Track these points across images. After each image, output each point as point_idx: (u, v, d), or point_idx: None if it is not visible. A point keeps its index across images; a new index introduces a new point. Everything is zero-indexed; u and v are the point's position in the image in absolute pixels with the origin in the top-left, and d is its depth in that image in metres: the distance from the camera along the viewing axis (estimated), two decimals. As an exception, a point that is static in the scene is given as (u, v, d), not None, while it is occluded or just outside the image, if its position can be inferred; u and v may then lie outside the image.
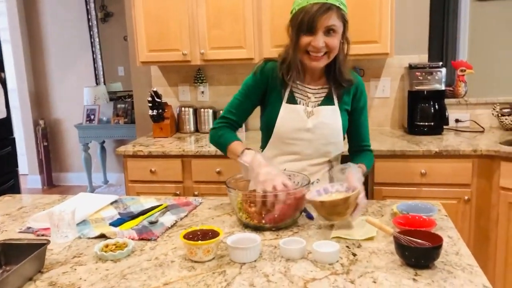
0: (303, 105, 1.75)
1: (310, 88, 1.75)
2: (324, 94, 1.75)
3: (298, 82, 1.74)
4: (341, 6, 1.60)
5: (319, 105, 1.75)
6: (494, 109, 3.06)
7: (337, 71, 1.71)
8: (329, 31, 1.60)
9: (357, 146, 1.85)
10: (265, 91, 1.77)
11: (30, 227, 1.60)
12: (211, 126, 3.26)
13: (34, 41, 5.48)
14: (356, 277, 1.19)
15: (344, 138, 1.83)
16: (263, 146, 1.86)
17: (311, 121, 1.73)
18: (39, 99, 5.60)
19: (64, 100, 5.54)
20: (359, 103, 1.79)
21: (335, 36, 1.62)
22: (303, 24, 1.59)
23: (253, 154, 1.62)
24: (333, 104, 1.75)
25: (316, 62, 1.66)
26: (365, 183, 2.64)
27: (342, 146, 1.82)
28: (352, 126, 1.81)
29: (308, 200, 1.46)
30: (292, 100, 1.75)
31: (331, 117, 1.74)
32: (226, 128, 1.81)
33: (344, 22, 1.64)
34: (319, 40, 1.60)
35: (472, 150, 2.56)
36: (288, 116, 1.74)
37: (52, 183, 5.72)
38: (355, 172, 1.55)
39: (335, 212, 1.41)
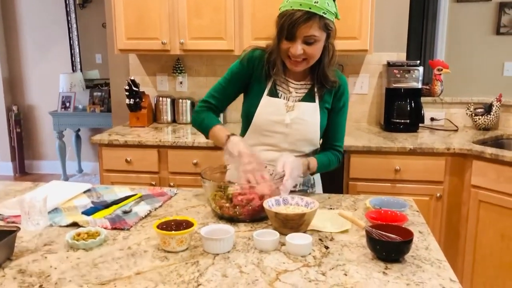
0: (284, 99, 1.75)
1: (293, 83, 1.75)
2: (306, 90, 1.75)
3: (282, 75, 1.74)
4: (326, 15, 1.56)
5: (300, 100, 1.75)
6: (468, 109, 3.12)
7: (321, 73, 1.70)
8: (308, 40, 1.58)
9: (329, 145, 1.83)
10: (249, 79, 1.77)
11: (0, 214, 1.57)
12: (189, 117, 3.31)
13: (8, 25, 5.34)
14: (327, 269, 1.20)
15: (321, 136, 1.83)
16: (242, 134, 1.86)
17: (289, 115, 1.73)
18: (12, 84, 5.46)
19: (39, 86, 5.42)
20: (339, 103, 1.78)
21: (315, 45, 1.59)
22: (283, 30, 1.57)
23: (237, 141, 1.63)
24: (314, 101, 1.74)
25: (295, 66, 1.66)
26: (340, 178, 2.70)
27: (318, 143, 1.82)
28: (328, 125, 1.80)
29: (264, 207, 1.44)
30: (273, 93, 1.75)
31: (310, 114, 1.74)
32: (208, 111, 1.80)
33: (328, 30, 1.60)
34: (297, 48, 1.58)
35: (446, 148, 2.61)
36: (267, 108, 1.74)
37: (24, 171, 5.60)
38: (286, 158, 1.58)
39: (287, 226, 1.38)
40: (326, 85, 1.73)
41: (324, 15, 1.56)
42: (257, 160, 1.58)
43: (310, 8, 1.53)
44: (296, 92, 1.75)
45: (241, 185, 1.52)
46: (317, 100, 1.75)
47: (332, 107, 1.78)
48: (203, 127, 1.78)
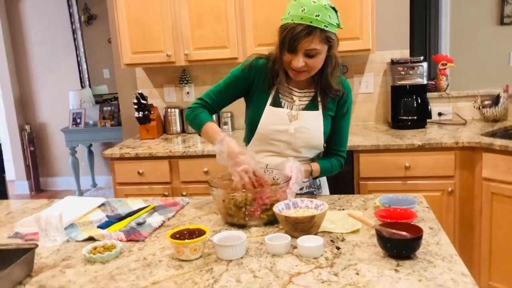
0: (287, 108, 1.76)
1: (296, 91, 1.77)
2: (309, 99, 1.77)
3: (285, 84, 1.76)
4: (328, 28, 1.57)
5: (303, 109, 1.76)
6: (475, 102, 3.11)
7: (324, 82, 1.72)
8: (310, 53, 1.60)
9: (331, 150, 1.85)
10: (250, 87, 1.79)
11: (18, 232, 1.61)
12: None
13: (17, 45, 5.44)
14: (340, 269, 1.22)
15: (324, 141, 1.84)
16: (246, 140, 1.89)
17: (293, 125, 1.74)
18: (24, 104, 5.56)
19: (50, 104, 5.51)
20: (342, 109, 1.80)
21: (317, 57, 1.61)
22: (284, 43, 1.59)
23: (228, 140, 1.63)
24: (317, 109, 1.76)
25: (297, 77, 1.68)
26: (351, 178, 2.71)
27: (322, 147, 1.84)
28: (331, 130, 1.81)
29: (274, 212, 1.46)
30: (277, 102, 1.76)
31: (314, 123, 1.75)
32: (202, 108, 1.82)
33: (329, 42, 1.62)
34: (299, 60, 1.60)
35: (454, 142, 2.61)
36: (271, 118, 1.75)
37: (40, 188, 5.69)
38: (293, 162, 1.62)
39: (298, 229, 1.40)
40: (330, 93, 1.74)
41: (326, 28, 1.57)
42: (249, 157, 1.59)
43: (311, 22, 1.55)
44: (300, 101, 1.77)
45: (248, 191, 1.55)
46: (320, 108, 1.76)
47: (335, 114, 1.80)
48: (196, 123, 1.79)
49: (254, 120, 1.78)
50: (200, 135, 1.80)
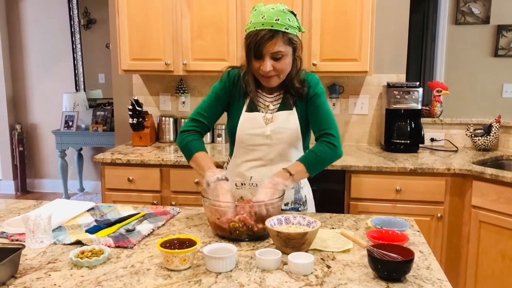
0: (262, 112, 1.81)
1: (267, 97, 1.83)
2: (280, 101, 1.82)
3: (256, 93, 1.82)
4: (289, 30, 1.65)
5: (277, 111, 1.81)
6: (468, 130, 3.15)
7: (289, 84, 1.78)
8: (276, 56, 1.66)
9: (317, 132, 1.79)
10: (231, 96, 1.84)
11: (4, 232, 1.58)
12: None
13: (14, 44, 5.42)
14: (329, 288, 1.21)
15: (304, 140, 1.85)
16: (231, 153, 1.92)
17: (269, 127, 1.78)
18: (16, 103, 5.51)
19: (43, 105, 5.47)
20: (310, 91, 1.79)
21: (283, 60, 1.68)
22: (250, 50, 1.67)
23: (212, 174, 1.64)
24: (291, 109, 1.81)
25: (268, 82, 1.75)
26: (342, 198, 2.71)
27: (302, 149, 1.86)
28: (310, 114, 1.80)
29: (266, 226, 1.46)
30: (252, 108, 1.82)
31: (289, 121, 1.79)
32: (195, 133, 1.84)
33: (293, 44, 1.69)
34: (267, 65, 1.66)
35: (446, 169, 2.63)
36: (247, 123, 1.80)
37: (26, 189, 5.61)
38: (266, 183, 1.60)
39: (289, 245, 1.40)
40: (292, 91, 1.79)
41: (287, 31, 1.65)
42: (230, 196, 1.60)
43: (272, 26, 1.63)
44: (273, 105, 1.82)
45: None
46: (294, 108, 1.81)
47: (308, 101, 1.80)
48: (187, 150, 1.81)
49: (233, 128, 1.83)
50: (188, 162, 1.81)
